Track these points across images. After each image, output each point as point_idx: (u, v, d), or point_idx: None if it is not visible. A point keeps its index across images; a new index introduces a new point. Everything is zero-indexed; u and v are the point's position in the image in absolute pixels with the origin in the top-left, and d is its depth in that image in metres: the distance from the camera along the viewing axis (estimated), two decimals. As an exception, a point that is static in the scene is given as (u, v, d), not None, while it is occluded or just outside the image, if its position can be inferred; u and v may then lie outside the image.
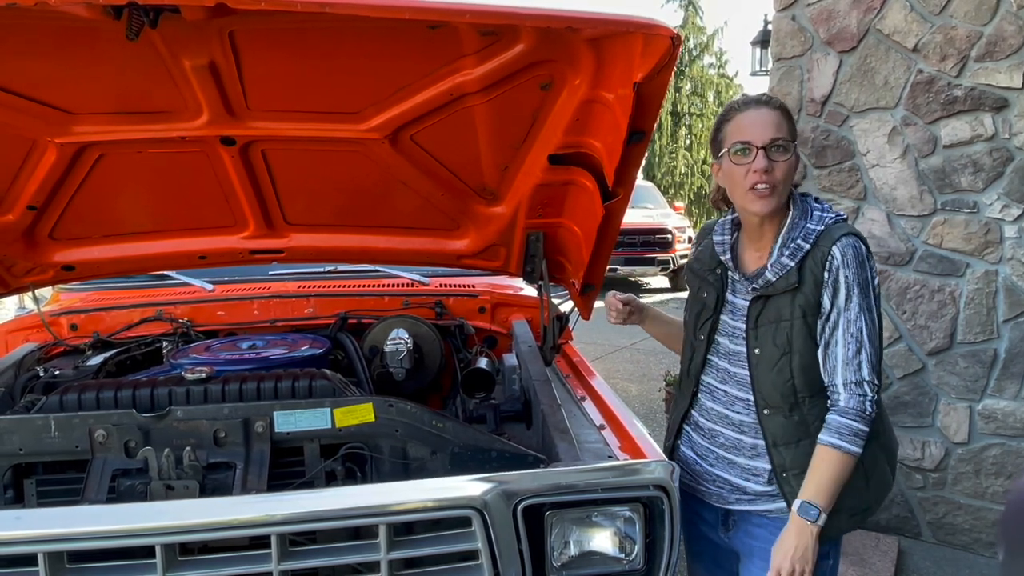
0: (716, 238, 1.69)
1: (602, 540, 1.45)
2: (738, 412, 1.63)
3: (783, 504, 1.57)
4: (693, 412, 1.74)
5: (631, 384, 6.14)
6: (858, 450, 1.50)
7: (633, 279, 12.03)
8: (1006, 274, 3.11)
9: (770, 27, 3.96)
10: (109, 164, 1.92)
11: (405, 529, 1.40)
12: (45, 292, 2.77)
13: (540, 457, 1.60)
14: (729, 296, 1.66)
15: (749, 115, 1.55)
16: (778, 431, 1.57)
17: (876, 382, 1.52)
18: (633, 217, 9.53)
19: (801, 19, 3.50)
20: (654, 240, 10.96)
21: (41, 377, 2.04)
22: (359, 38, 1.56)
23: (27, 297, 2.53)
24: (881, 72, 3.30)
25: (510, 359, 2.25)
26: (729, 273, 1.66)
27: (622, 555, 1.45)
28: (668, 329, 1.98)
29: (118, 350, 2.28)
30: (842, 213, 1.61)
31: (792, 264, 1.54)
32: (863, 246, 1.54)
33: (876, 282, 1.55)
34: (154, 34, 1.41)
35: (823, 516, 1.49)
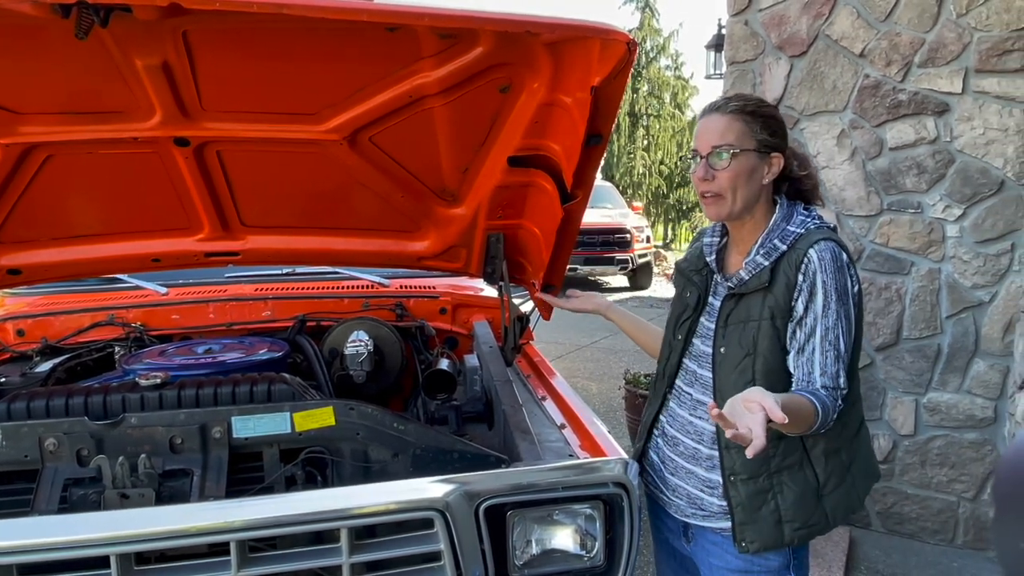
0: (706, 240, 1.68)
1: (563, 538, 1.47)
2: (700, 418, 1.61)
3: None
4: (662, 417, 1.71)
5: (592, 383, 6.19)
6: (822, 415, 1.40)
7: (593, 278, 12.13)
8: (948, 272, 3.23)
9: (724, 31, 4.04)
10: (58, 165, 1.87)
11: (367, 532, 1.39)
12: (-11, 297, 2.68)
13: (502, 457, 1.61)
14: (710, 298, 1.64)
15: (702, 123, 1.56)
16: None
17: (846, 390, 1.48)
18: (592, 217, 9.61)
19: (754, 24, 3.58)
20: (613, 240, 11.08)
21: (-14, 385, 1.97)
22: (317, 39, 1.55)
23: (-30, 302, 2.45)
24: (830, 76, 3.40)
25: (471, 360, 2.26)
26: (713, 275, 1.65)
27: (583, 552, 1.47)
28: (636, 324, 1.99)
29: (68, 356, 2.21)
30: (830, 222, 1.58)
31: (766, 263, 1.51)
32: (843, 252, 1.49)
33: (856, 290, 1.49)
34: (105, 33, 1.38)
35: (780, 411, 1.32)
